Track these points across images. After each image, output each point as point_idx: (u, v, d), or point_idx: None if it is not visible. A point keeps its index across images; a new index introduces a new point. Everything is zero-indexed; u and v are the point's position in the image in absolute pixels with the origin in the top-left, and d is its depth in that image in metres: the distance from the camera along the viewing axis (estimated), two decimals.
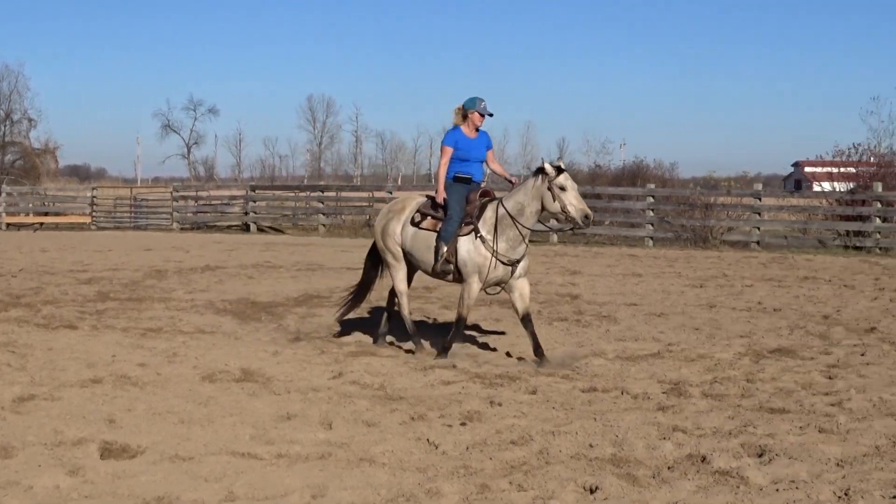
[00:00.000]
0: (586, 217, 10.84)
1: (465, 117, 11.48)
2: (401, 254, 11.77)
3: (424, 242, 11.43)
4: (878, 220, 28.20)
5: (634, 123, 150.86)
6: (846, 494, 6.23)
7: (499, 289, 11.32)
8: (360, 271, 12.81)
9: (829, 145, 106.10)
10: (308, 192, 42.91)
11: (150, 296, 16.64)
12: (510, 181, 11.66)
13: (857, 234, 28.57)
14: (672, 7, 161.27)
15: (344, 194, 42.03)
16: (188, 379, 9.78)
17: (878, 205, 28.37)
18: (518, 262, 11.10)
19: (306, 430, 7.92)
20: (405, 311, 11.95)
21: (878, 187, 29.01)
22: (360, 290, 12.66)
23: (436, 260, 11.22)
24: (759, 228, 29.73)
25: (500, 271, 11.05)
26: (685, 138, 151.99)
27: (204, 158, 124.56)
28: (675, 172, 61.02)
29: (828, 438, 7.55)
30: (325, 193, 40.47)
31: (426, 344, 11.78)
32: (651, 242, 30.47)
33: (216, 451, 7.28)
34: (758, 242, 29.10)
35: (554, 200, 10.78)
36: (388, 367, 10.52)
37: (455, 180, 11.38)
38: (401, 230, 11.70)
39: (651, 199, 31.37)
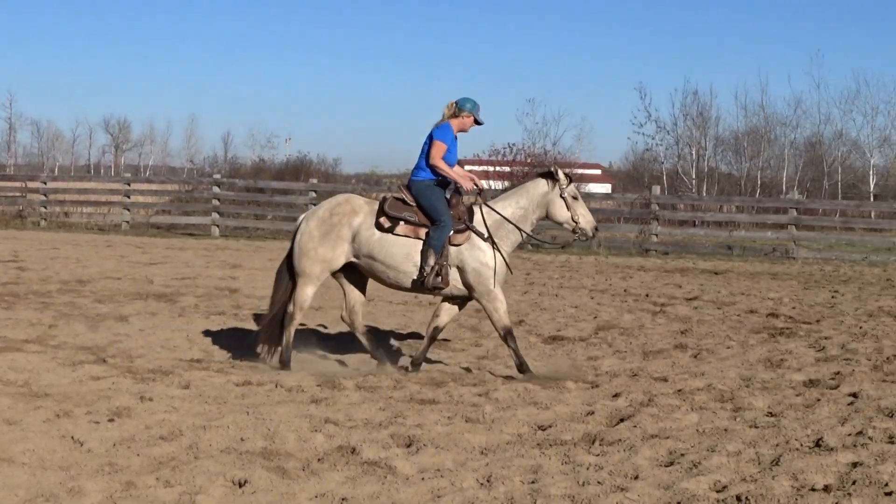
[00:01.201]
0: (596, 229, 10.55)
1: (454, 116, 10.44)
2: (338, 265, 10.44)
3: (401, 251, 10.24)
4: None
5: (300, 118, 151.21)
6: (488, 481, 6.47)
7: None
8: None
9: (486, 145, 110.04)
10: None
11: None
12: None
13: None
14: (333, 4, 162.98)
15: None
16: None
17: None
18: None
19: None
20: (292, 331, 10.58)
21: None
22: (277, 317, 10.74)
23: (425, 272, 10.13)
24: None
25: (502, 276, 10.38)
26: (350, 135, 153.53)
27: None
28: (338, 168, 62.22)
29: (473, 428, 7.82)
30: None
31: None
32: None
33: None
34: None
35: (567, 210, 10.36)
36: (34, 363, 10.06)
37: (437, 183, 10.38)
38: (357, 236, 10.34)
39: (314, 194, 31.32)
